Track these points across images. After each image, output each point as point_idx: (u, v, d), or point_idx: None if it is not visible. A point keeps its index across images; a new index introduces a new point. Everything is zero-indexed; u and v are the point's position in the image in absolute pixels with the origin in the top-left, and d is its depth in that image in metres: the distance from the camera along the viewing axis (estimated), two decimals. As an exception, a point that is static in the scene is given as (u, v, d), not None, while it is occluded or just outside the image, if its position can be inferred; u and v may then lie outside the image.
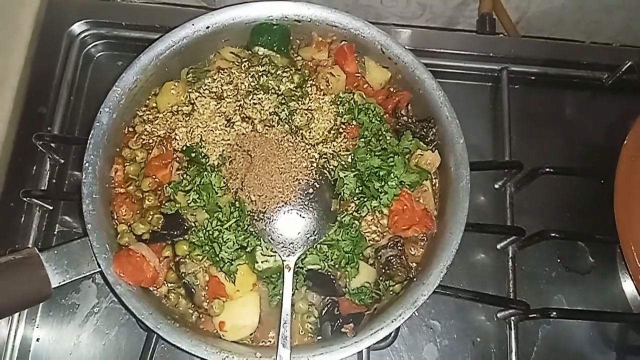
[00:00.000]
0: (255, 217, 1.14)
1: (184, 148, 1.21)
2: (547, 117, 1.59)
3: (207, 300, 1.15)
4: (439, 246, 1.17)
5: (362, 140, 1.23)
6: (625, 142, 1.33)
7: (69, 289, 1.33)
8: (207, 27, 1.29)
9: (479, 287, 1.37)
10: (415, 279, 1.17)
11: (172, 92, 1.28)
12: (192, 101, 1.25)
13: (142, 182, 1.21)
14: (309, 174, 1.17)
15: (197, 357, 1.09)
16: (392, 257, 1.17)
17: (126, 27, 1.54)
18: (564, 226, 1.45)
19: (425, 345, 1.35)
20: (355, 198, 1.20)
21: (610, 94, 1.60)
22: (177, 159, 1.22)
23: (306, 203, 1.15)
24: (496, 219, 1.44)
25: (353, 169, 1.20)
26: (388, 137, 1.24)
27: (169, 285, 1.18)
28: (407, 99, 1.31)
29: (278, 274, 1.16)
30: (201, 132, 1.21)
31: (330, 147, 1.21)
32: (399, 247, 1.18)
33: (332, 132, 1.23)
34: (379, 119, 1.25)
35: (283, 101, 1.24)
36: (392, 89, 1.35)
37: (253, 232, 1.14)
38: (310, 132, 1.22)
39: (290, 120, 1.22)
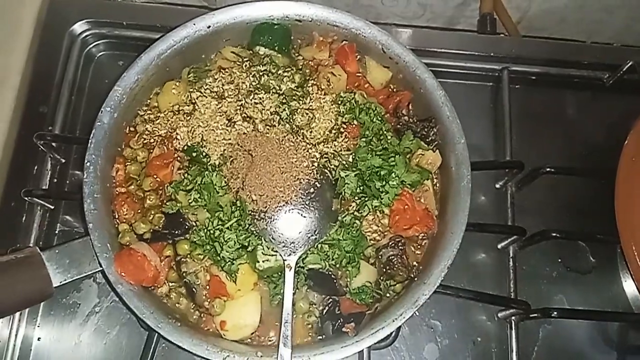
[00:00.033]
0: (257, 217, 1.14)
1: (185, 147, 1.21)
2: (548, 117, 1.58)
3: (208, 300, 1.15)
4: (440, 246, 1.17)
5: (363, 139, 1.23)
6: (626, 142, 1.32)
7: (70, 288, 1.33)
8: (208, 27, 1.29)
9: (479, 286, 1.37)
10: (416, 279, 1.17)
11: (173, 91, 1.28)
12: (193, 101, 1.25)
13: (144, 182, 1.21)
14: (310, 173, 1.17)
15: (198, 356, 1.09)
16: (393, 257, 1.17)
17: (127, 26, 1.54)
18: (564, 226, 1.44)
19: (426, 344, 1.35)
20: (356, 197, 1.20)
21: (611, 93, 1.60)
22: (178, 158, 1.22)
23: (307, 202, 1.15)
24: (497, 218, 1.44)
25: (354, 169, 1.20)
26: (389, 137, 1.24)
27: (170, 284, 1.18)
28: (408, 99, 1.31)
29: (279, 273, 1.16)
30: (202, 131, 1.21)
31: (331, 147, 1.21)
32: (400, 247, 1.18)
33: (333, 131, 1.23)
34: (380, 119, 1.25)
35: (284, 101, 1.24)
36: (393, 89, 1.35)
37: (254, 232, 1.14)
38: (311, 132, 1.22)
39: (291, 120, 1.22)
